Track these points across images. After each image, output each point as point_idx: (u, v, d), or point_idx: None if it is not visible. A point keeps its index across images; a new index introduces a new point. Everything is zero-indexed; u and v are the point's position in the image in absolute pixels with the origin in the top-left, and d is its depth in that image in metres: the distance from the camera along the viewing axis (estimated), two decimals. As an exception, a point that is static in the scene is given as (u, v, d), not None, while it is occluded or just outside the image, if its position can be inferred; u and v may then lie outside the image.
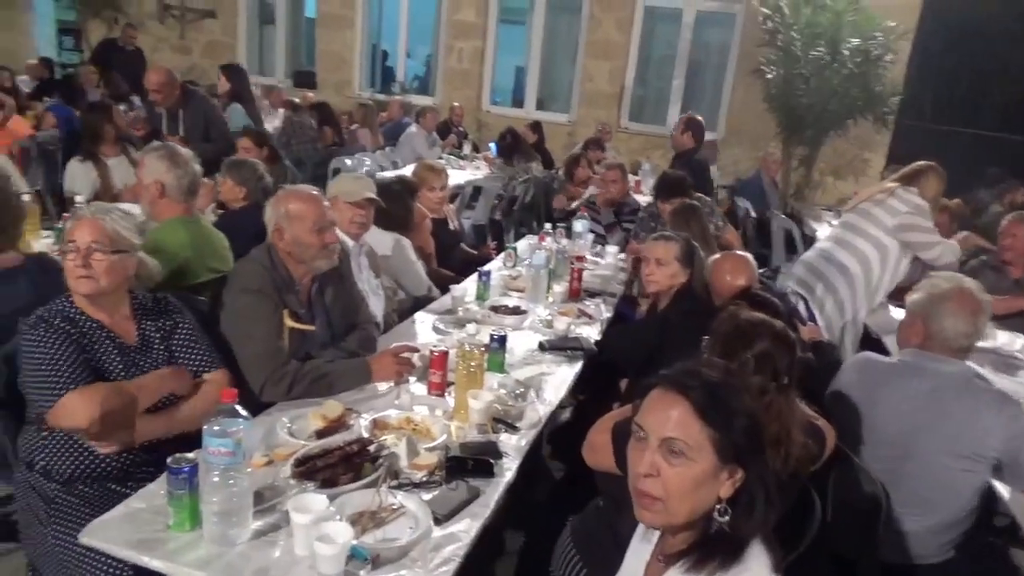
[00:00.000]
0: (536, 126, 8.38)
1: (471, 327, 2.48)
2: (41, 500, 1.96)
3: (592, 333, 3.19)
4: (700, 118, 5.97)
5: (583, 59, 9.59)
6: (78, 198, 3.52)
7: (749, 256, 3.00)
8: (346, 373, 2.38)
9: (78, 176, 4.28)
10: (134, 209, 3.50)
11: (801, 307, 3.70)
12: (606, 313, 3.48)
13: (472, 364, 2.24)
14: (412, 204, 3.87)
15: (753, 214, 6.55)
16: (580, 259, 3.82)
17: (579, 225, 4.53)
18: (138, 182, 2.93)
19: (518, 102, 10.71)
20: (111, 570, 1.76)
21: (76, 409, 1.88)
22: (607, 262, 4.34)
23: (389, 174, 5.88)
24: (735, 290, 2.74)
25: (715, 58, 9.61)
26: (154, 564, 1.55)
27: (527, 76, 10.25)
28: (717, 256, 3.06)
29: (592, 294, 3.72)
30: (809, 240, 5.79)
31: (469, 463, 1.93)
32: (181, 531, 1.60)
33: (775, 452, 1.71)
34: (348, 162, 6.85)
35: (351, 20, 10.34)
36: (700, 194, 4.62)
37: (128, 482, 1.99)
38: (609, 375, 3.16)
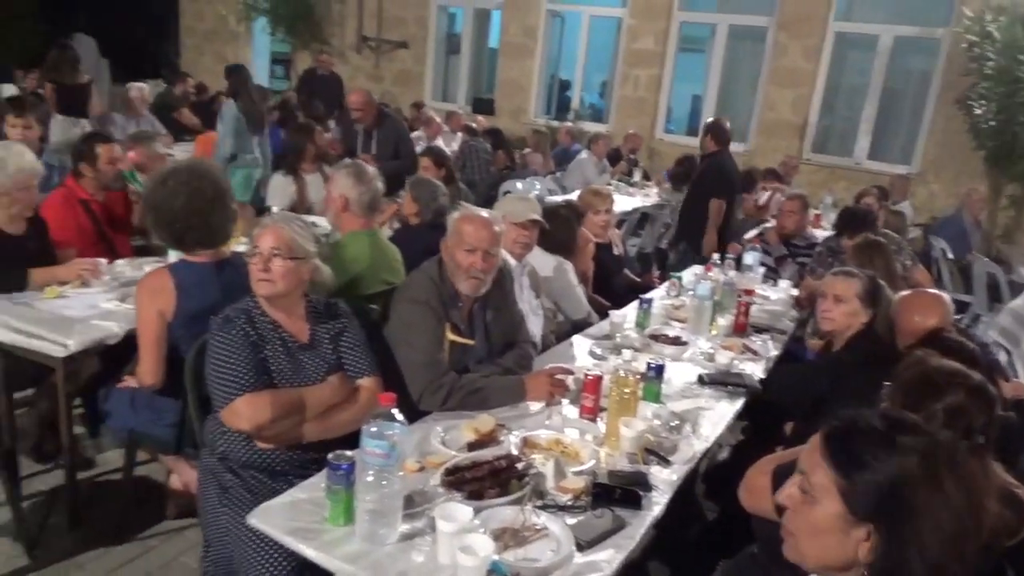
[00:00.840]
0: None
1: (627, 353, 2.43)
2: (217, 483, 2.14)
3: (757, 370, 3.02)
4: (724, 122, 5.90)
5: (765, 87, 9.25)
6: (274, 208, 3.86)
7: (944, 295, 2.70)
8: (501, 389, 2.41)
9: (278, 189, 4.71)
10: (320, 220, 3.79)
11: (1002, 359, 3.30)
12: (773, 351, 3.29)
13: (626, 391, 2.19)
14: (577, 229, 3.89)
15: (950, 255, 5.97)
16: (749, 292, 3.65)
17: (749, 257, 4.33)
18: (327, 195, 3.17)
19: (692, 131, 10.50)
20: (271, 555, 1.88)
21: (243, 414, 2.05)
22: (778, 297, 4.11)
23: (557, 198, 5.98)
24: (924, 332, 2.47)
25: (913, 87, 8.91)
26: (309, 553, 1.64)
27: (703, 104, 10.03)
28: (907, 292, 2.77)
29: (759, 329, 3.53)
30: (1017, 288, 5.17)
31: (616, 492, 1.88)
32: (336, 524, 1.68)
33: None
34: (519, 185, 6.99)
35: (531, 50, 10.65)
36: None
37: (294, 478, 2.12)
38: (774, 416, 2.97)
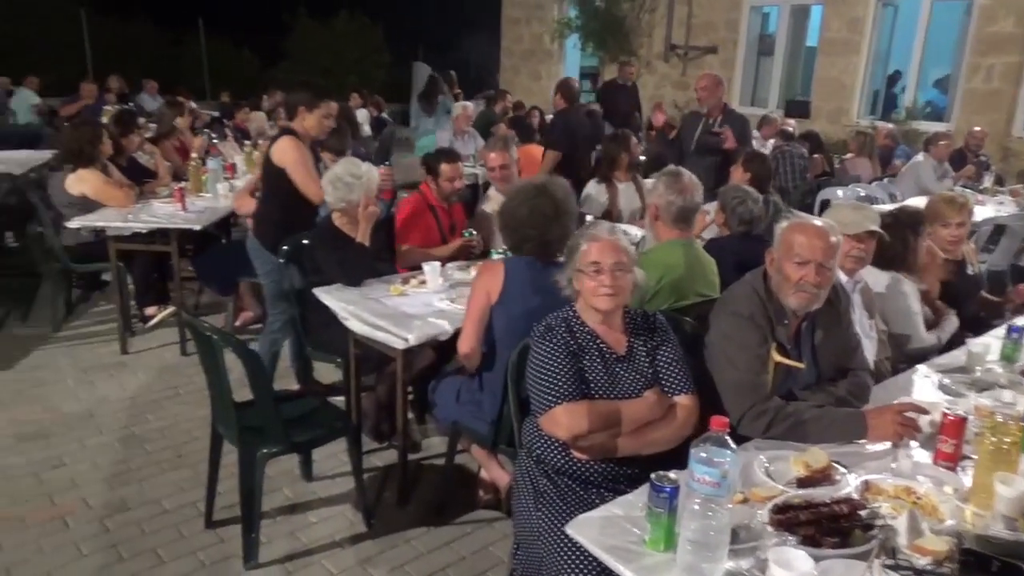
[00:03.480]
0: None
1: (1007, 394, 2.01)
2: (532, 486, 2.18)
3: None
4: (573, 82, 6.55)
5: None
6: (588, 217, 3.92)
7: None
8: (836, 423, 2.14)
9: (592, 197, 4.80)
10: (630, 228, 3.78)
11: None
12: None
13: (1006, 440, 1.80)
14: (914, 240, 3.37)
15: None
16: None
17: None
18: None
19: (1065, 126, 8.76)
20: (584, 568, 1.86)
21: (561, 422, 2.06)
22: None
23: (886, 206, 5.32)
24: None
25: None
26: (627, 574, 1.57)
27: (1082, 94, 8.31)
28: None
29: None
30: None
31: (994, 564, 1.53)
32: (655, 549, 1.59)
33: None
34: (840, 193, 6.41)
35: (856, 45, 9.71)
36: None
37: (604, 490, 2.10)
38: None
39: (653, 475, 1.59)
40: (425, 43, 18.16)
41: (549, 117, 10.26)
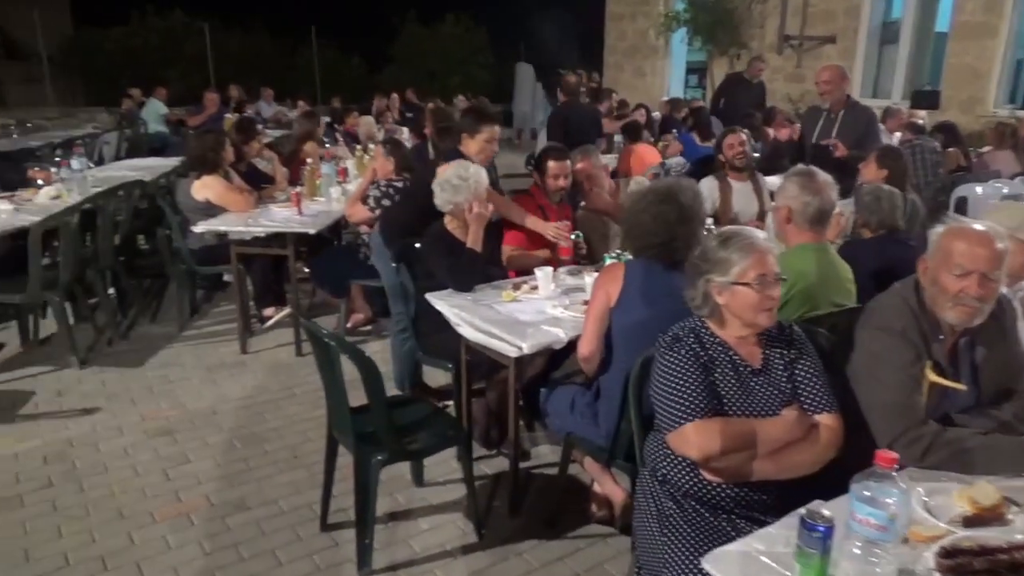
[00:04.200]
0: None
1: None
2: (656, 509, 2.05)
3: None
4: (570, 78, 7.32)
5: None
6: (708, 221, 3.73)
7: None
8: (1004, 453, 1.90)
9: (704, 193, 4.58)
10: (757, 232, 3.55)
11: None
12: None
13: None
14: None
15: None
16: None
17: None
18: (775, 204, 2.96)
19: None
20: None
21: (692, 440, 1.92)
22: None
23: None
24: None
25: None
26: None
27: None
28: None
29: None
30: None
31: None
32: (807, 592, 1.44)
33: None
34: (978, 189, 5.90)
35: (995, 28, 8.95)
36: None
37: (736, 517, 1.96)
38: None
39: (804, 511, 1.43)
40: (527, 42, 18.19)
41: (656, 115, 10.11)
